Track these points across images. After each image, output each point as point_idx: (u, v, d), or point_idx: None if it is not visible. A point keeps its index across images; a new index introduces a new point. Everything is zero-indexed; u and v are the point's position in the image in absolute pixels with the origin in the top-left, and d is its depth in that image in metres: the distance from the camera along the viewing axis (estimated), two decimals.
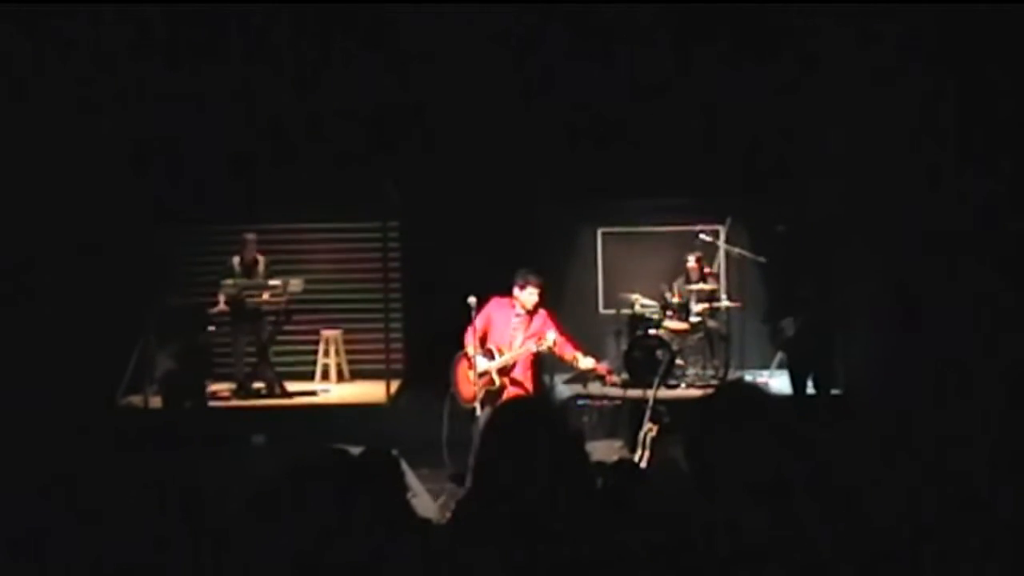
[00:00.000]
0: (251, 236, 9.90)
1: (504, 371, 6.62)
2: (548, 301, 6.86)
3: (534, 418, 2.29)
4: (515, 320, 6.68)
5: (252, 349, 9.91)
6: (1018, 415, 5.63)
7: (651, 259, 10.76)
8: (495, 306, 6.70)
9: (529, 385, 6.73)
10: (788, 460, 2.11)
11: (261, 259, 9.93)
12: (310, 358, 10.77)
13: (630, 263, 11.15)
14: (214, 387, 9.69)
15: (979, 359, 6.47)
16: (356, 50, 9.10)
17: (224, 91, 9.15)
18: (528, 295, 6.58)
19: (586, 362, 6.57)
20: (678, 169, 9.96)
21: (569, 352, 6.62)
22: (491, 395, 6.55)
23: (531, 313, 6.67)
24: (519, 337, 6.63)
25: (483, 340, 6.70)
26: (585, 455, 2.33)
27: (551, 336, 6.46)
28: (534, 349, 6.52)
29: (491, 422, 2.38)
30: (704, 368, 10.00)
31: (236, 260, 9.85)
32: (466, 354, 6.66)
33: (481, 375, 6.57)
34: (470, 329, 6.63)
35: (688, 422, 2.24)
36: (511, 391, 6.56)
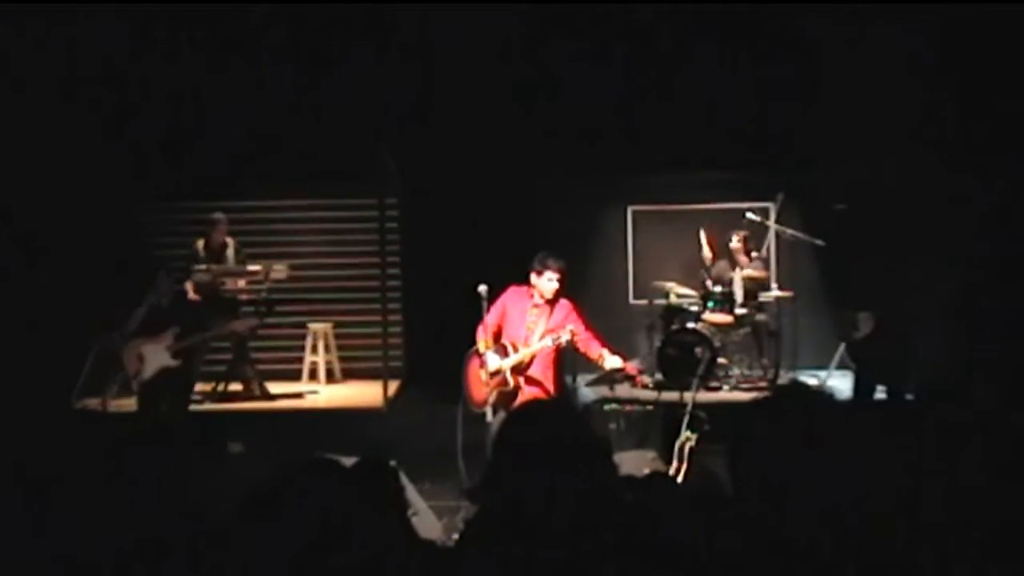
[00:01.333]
0: (219, 216, 9.90)
1: (519, 370, 6.63)
2: (571, 290, 6.86)
3: (553, 425, 2.29)
4: (533, 312, 6.67)
5: (228, 344, 9.96)
6: None
7: (689, 242, 10.71)
8: (511, 296, 6.71)
9: (549, 386, 6.73)
10: (853, 477, 2.11)
11: (231, 242, 9.94)
12: (296, 355, 10.80)
13: (665, 246, 11.12)
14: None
15: None
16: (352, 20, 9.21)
17: (195, 53, 9.26)
18: (547, 282, 6.57)
19: (613, 361, 6.57)
20: (721, 138, 9.93)
21: (595, 349, 6.62)
22: (504, 398, 6.56)
23: (551, 303, 6.66)
24: (537, 331, 6.63)
25: (497, 335, 6.71)
26: (612, 468, 2.34)
27: (570, 329, 6.46)
28: (551, 345, 6.51)
29: (503, 430, 2.38)
30: (751, 367, 9.99)
31: (201, 244, 9.87)
32: (477, 352, 6.67)
33: (493, 375, 6.58)
34: (481, 323, 6.64)
35: (732, 430, 2.25)
36: (527, 393, 6.57)
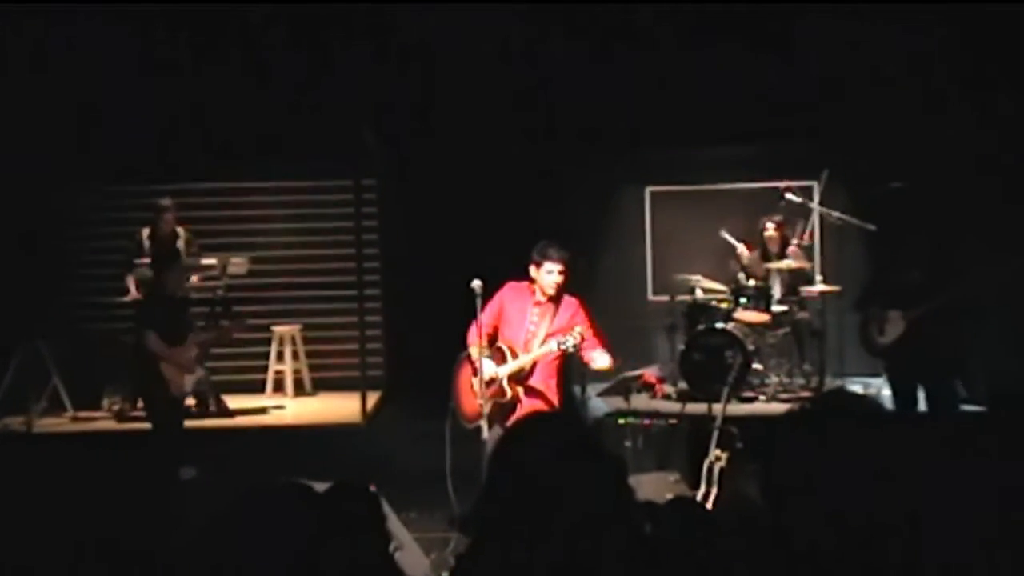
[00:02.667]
0: (166, 202, 9.92)
1: (518, 379, 6.65)
2: (579, 286, 6.86)
3: (558, 442, 2.29)
4: (535, 311, 6.70)
5: None
6: None
7: (718, 228, 10.68)
8: (509, 293, 6.73)
9: (552, 397, 6.76)
10: (908, 501, 2.10)
11: (182, 232, 9.98)
12: (259, 363, 10.83)
13: (689, 233, 11.13)
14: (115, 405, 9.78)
15: None
16: None
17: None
18: (547, 275, 6.58)
19: (601, 360, 6.56)
20: (753, 107, 9.93)
21: (588, 350, 6.60)
22: (501, 411, 6.59)
23: (555, 301, 6.68)
24: (540, 333, 6.66)
25: (493, 338, 6.72)
26: (629, 492, 2.33)
27: (578, 332, 6.46)
28: (556, 350, 6.52)
29: (500, 448, 2.38)
30: (790, 374, 10.02)
31: (146, 233, 9.87)
32: (470, 357, 6.69)
33: (488, 384, 6.60)
34: (475, 324, 6.63)
35: (768, 448, 2.26)
36: (527, 405, 6.59)
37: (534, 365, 6.67)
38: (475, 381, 6.63)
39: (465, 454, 6.68)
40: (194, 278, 9.80)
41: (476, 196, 9.93)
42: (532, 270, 6.62)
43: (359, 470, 8.06)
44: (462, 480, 6.64)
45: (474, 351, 6.63)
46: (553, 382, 6.75)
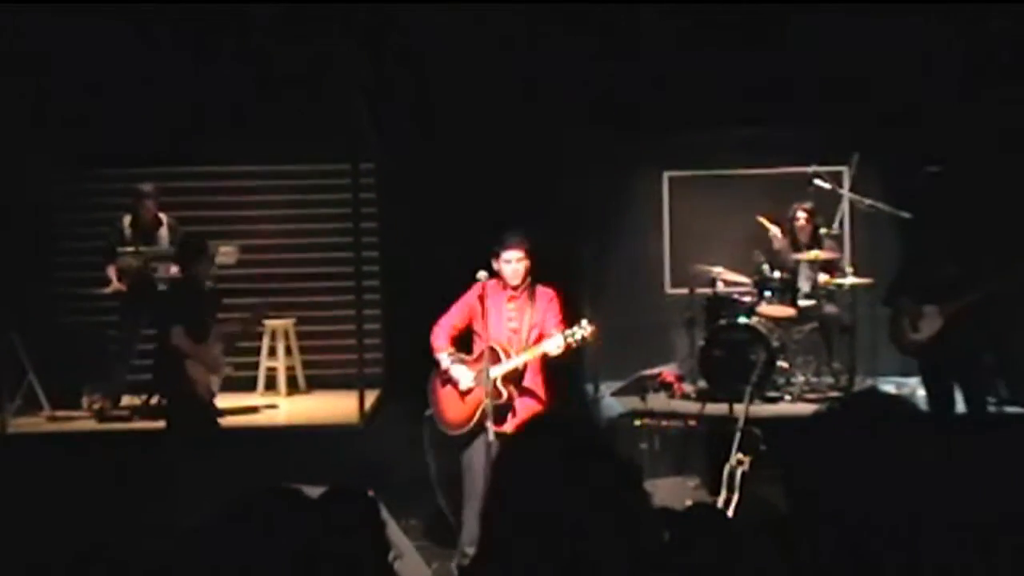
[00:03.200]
0: (147, 187, 9.90)
1: (512, 379, 6.68)
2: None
3: (567, 447, 2.28)
4: (509, 306, 6.74)
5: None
6: None
7: (741, 216, 10.70)
8: (490, 289, 6.74)
9: (543, 394, 6.80)
10: (944, 511, 2.09)
11: (165, 219, 9.98)
12: (249, 359, 10.79)
13: (710, 222, 11.13)
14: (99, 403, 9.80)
15: None
16: None
17: None
18: (507, 266, 6.63)
19: (549, 344, 6.54)
20: (780, 86, 9.90)
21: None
22: (495, 413, 6.52)
23: (529, 292, 6.71)
24: (524, 327, 6.70)
25: (459, 339, 6.79)
26: (644, 498, 2.32)
27: (586, 323, 6.49)
28: (562, 344, 6.53)
29: (504, 456, 2.38)
30: (818, 373, 10.02)
31: (127, 220, 9.88)
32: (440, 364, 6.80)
33: (466, 393, 6.67)
34: (437, 327, 6.74)
35: (794, 451, 2.25)
36: (521, 406, 6.63)
37: (525, 363, 6.70)
38: (466, 380, 6.66)
39: (453, 460, 6.74)
40: (174, 269, 9.79)
41: (481, 183, 9.91)
42: (493, 264, 6.66)
43: (356, 474, 8.04)
44: (452, 484, 6.71)
45: (443, 358, 6.72)
46: (540, 379, 6.80)
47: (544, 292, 6.75)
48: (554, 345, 6.54)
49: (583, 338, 6.51)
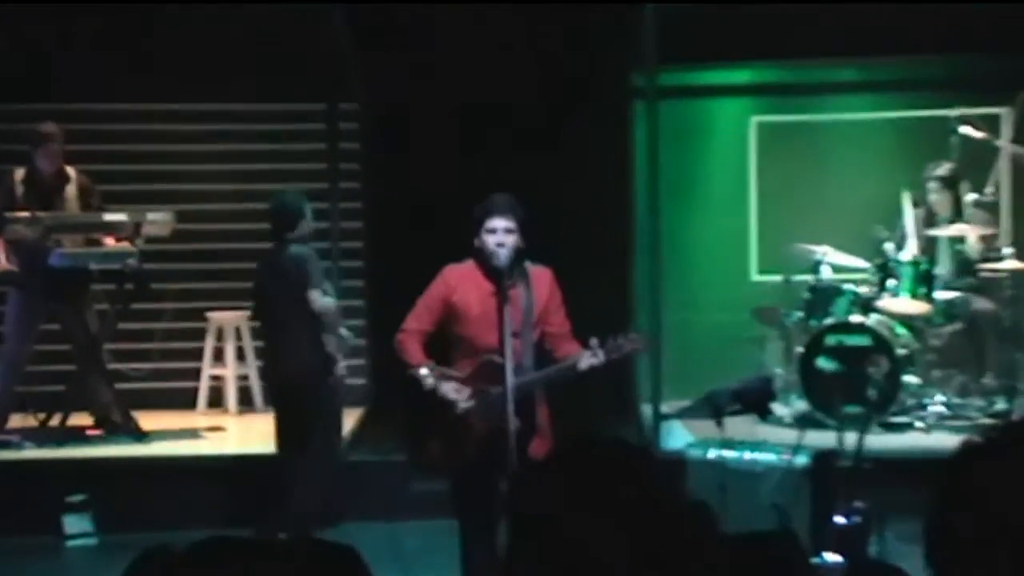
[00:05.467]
0: (50, 128, 9.90)
1: (523, 402, 6.60)
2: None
3: (614, 487, 2.26)
4: (497, 299, 6.62)
5: (67, 347, 10.00)
6: None
7: (855, 176, 10.64)
8: (453, 279, 6.78)
9: (547, 423, 6.80)
10: None
11: (74, 174, 9.99)
12: (188, 366, 10.88)
13: (811, 183, 11.20)
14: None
15: None
16: None
17: None
18: (491, 237, 6.60)
19: (584, 361, 6.51)
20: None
21: (562, 343, 6.74)
22: (491, 445, 6.49)
23: (522, 276, 6.70)
24: (528, 324, 6.68)
25: (428, 344, 6.77)
26: (722, 556, 2.30)
27: (595, 355, 6.48)
28: (584, 366, 6.51)
29: (523, 511, 2.33)
30: (964, 392, 9.95)
31: (20, 176, 9.88)
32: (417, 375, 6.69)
33: (462, 420, 6.63)
34: (408, 325, 6.75)
35: (932, 499, 2.26)
36: (535, 442, 6.59)
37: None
38: (462, 401, 6.63)
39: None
40: (109, 240, 9.80)
41: (496, 129, 9.96)
42: (476, 240, 6.66)
43: (331, 516, 8.08)
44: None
45: (424, 373, 6.63)
46: (545, 406, 6.80)
47: (540, 273, 6.76)
48: (587, 363, 6.54)
49: (629, 352, 6.61)
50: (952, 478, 2.26)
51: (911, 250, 9.85)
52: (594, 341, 6.52)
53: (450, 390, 6.63)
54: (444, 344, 6.84)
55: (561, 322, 6.74)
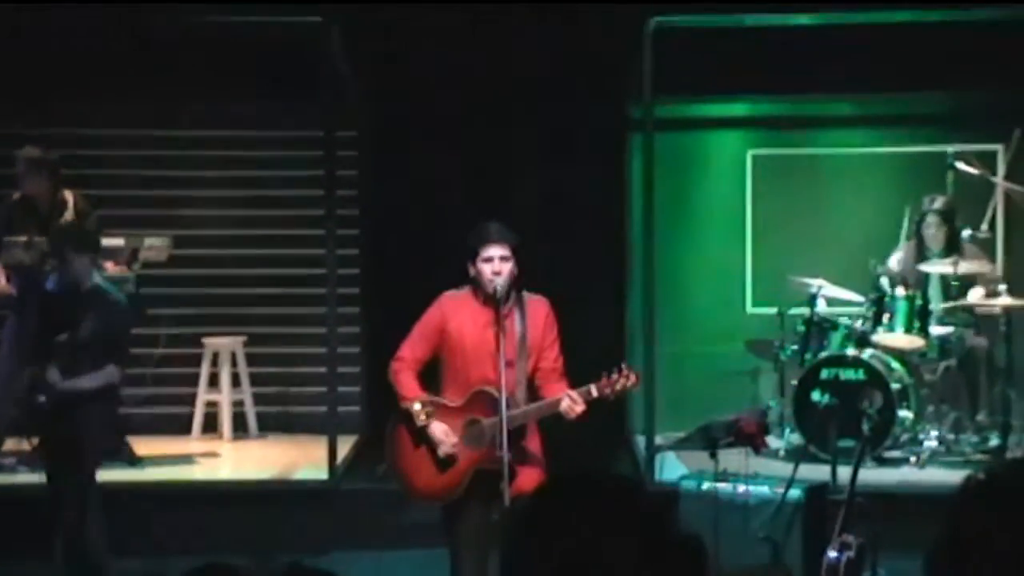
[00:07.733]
0: (33, 152, 9.86)
1: (515, 434, 6.57)
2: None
3: (607, 519, 2.27)
4: (492, 329, 6.62)
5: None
6: None
7: (850, 209, 10.64)
8: (450, 307, 6.78)
9: (540, 454, 6.78)
10: None
11: (71, 197, 9.93)
12: (183, 391, 10.86)
13: (807, 216, 11.20)
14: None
15: None
16: None
17: None
18: (487, 267, 6.60)
19: (567, 402, 6.50)
20: (910, 35, 9.86)
21: (549, 383, 6.70)
22: (483, 482, 6.52)
23: (517, 304, 6.70)
24: (523, 354, 6.67)
25: (419, 374, 6.76)
26: None
27: (587, 390, 6.48)
28: (564, 408, 6.48)
29: (515, 542, 2.37)
30: (958, 428, 9.93)
31: (17, 199, 9.86)
32: (406, 416, 6.70)
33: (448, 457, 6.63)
34: (403, 353, 6.74)
35: (926, 536, 2.28)
36: (525, 474, 6.52)
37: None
38: (446, 446, 6.62)
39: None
40: (109, 265, 9.78)
41: (497, 150, 9.95)
42: (470, 269, 6.65)
43: (322, 548, 8.05)
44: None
45: (417, 408, 6.63)
46: (537, 436, 6.77)
47: (538, 301, 6.76)
48: (567, 407, 6.51)
49: (622, 389, 6.58)
50: (956, 516, 2.26)
51: (905, 285, 9.87)
52: (581, 389, 6.50)
53: (439, 431, 6.62)
54: (437, 369, 6.82)
55: (554, 358, 6.71)
